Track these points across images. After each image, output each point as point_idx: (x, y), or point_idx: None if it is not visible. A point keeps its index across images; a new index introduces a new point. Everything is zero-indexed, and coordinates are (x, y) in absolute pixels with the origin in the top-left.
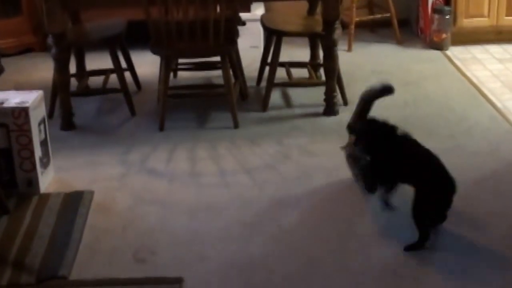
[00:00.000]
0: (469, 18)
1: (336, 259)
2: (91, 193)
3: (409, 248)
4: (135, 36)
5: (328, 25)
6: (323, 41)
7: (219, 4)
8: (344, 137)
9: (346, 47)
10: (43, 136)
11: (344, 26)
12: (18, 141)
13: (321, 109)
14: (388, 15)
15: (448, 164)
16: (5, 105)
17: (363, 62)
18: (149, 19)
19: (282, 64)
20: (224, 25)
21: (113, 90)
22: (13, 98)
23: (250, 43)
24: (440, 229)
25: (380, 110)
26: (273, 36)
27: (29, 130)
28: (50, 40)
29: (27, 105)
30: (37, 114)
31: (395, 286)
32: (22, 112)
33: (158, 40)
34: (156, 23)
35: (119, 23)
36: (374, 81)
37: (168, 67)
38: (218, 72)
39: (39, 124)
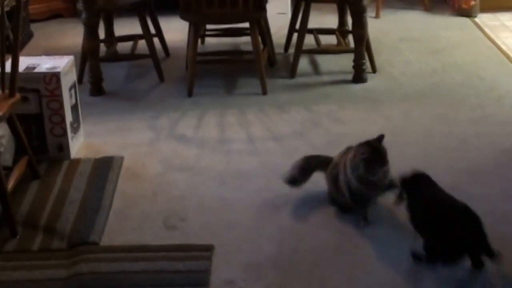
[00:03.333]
0: None
1: (369, 229)
2: (121, 158)
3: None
4: (163, 2)
5: None
6: (352, 7)
7: None
8: (373, 104)
9: (374, 14)
10: (73, 101)
11: None
12: (49, 106)
13: (349, 76)
14: None
15: (478, 133)
16: (37, 70)
17: (391, 29)
18: None
19: (310, 31)
20: None
21: (142, 56)
22: (45, 64)
23: (277, 9)
24: None
25: (408, 78)
26: (302, 2)
27: (60, 95)
28: (80, 5)
29: (58, 70)
30: (68, 79)
31: None
32: (53, 77)
33: (187, 6)
34: None
35: None
36: (402, 48)
37: (196, 33)
38: (245, 39)
39: (70, 89)
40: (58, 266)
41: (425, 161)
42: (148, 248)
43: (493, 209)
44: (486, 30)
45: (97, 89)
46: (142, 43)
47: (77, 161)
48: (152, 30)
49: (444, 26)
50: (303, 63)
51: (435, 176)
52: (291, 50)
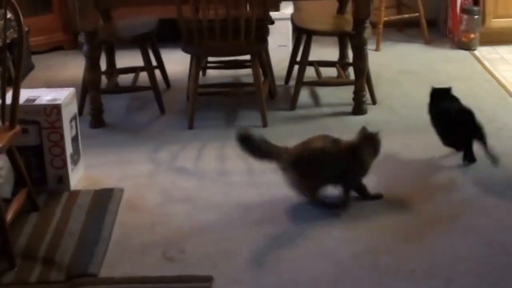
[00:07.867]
0: (497, 18)
1: (368, 259)
2: (121, 190)
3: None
4: (164, 34)
5: (359, 24)
6: (353, 40)
7: (249, 3)
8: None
9: (374, 47)
10: (74, 132)
11: (373, 25)
12: (50, 138)
13: (349, 108)
14: (416, 15)
15: (477, 165)
16: (37, 102)
17: (391, 62)
18: (181, 17)
19: (311, 63)
20: (255, 24)
21: (143, 88)
22: (45, 96)
23: (278, 42)
24: None
25: (408, 110)
26: (303, 35)
27: (61, 127)
28: (82, 37)
29: (59, 102)
30: (69, 111)
31: None
32: (54, 109)
33: (190, 39)
34: (187, 21)
35: (150, 21)
36: (402, 81)
37: (198, 65)
38: (246, 71)
39: (71, 121)
40: None
41: (425, 192)
42: (147, 279)
43: (491, 240)
44: (485, 63)
45: (98, 121)
46: (143, 75)
47: (77, 193)
48: (154, 62)
49: (444, 59)
50: (304, 95)
51: (434, 207)
52: (292, 82)
